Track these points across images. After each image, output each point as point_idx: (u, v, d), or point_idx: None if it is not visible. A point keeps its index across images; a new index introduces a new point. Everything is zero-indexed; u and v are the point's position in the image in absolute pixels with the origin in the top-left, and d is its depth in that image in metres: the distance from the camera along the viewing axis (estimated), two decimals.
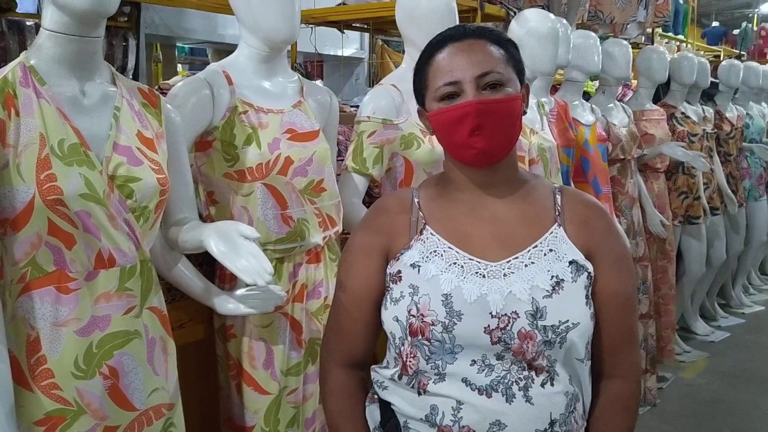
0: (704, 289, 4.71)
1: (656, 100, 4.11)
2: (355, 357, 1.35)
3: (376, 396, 1.31)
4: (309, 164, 1.72)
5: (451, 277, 1.20)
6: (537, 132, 2.46)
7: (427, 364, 1.20)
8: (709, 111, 4.43)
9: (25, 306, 1.29)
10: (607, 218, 1.32)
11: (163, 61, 4.59)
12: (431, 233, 1.26)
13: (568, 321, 1.19)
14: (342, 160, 2.06)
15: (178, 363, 1.53)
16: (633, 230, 3.53)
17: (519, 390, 1.18)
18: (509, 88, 1.22)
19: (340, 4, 3.60)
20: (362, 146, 1.95)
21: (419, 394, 1.22)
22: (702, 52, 8.47)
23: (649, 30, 4.98)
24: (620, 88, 4.24)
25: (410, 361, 1.22)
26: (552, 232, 1.25)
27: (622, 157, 3.43)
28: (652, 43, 4.84)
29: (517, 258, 1.22)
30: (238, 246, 1.38)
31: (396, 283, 1.25)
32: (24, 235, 1.26)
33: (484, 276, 1.20)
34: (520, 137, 2.30)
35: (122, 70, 4.21)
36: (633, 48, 3.97)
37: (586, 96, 3.61)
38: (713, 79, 4.60)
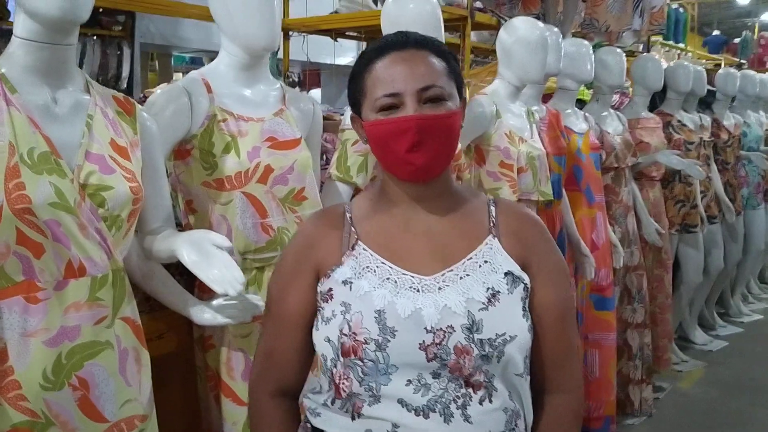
0: (702, 298, 4.68)
1: (653, 108, 4.10)
2: (287, 384, 1.29)
3: (309, 425, 1.25)
4: (290, 172, 1.71)
5: (384, 293, 1.15)
6: (526, 140, 2.45)
7: (360, 386, 1.15)
8: (707, 119, 4.41)
9: None
10: (542, 229, 1.29)
11: (158, 70, 4.58)
12: (364, 248, 1.21)
13: (505, 334, 1.15)
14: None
15: (157, 374, 1.52)
16: (628, 239, 3.51)
17: (457, 409, 1.14)
18: (450, 102, 1.19)
19: (333, 13, 3.60)
20: (346, 154, 1.94)
21: (353, 418, 1.17)
22: (703, 61, 8.46)
23: (648, 38, 4.95)
24: (618, 96, 4.24)
25: (343, 384, 1.16)
26: (487, 244, 1.22)
27: (616, 165, 3.42)
28: (648, 51, 4.82)
29: (451, 270, 1.19)
30: (210, 255, 1.37)
31: (327, 302, 1.20)
32: None
33: (418, 290, 1.16)
34: (508, 145, 2.35)
35: (116, 78, 4.22)
36: (629, 56, 3.96)
37: (582, 104, 3.60)
38: (710, 88, 4.58)
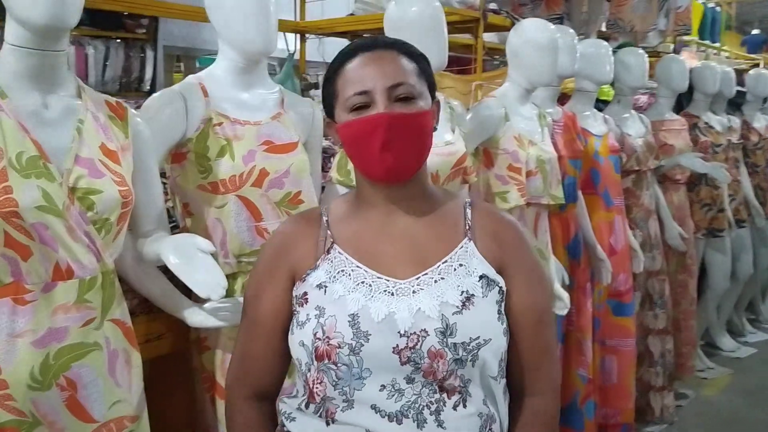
0: (731, 303, 4.57)
1: (680, 110, 4.02)
2: (263, 388, 1.29)
3: (285, 429, 1.25)
4: (285, 176, 1.71)
5: (358, 297, 1.16)
6: (536, 143, 2.42)
7: (334, 389, 1.15)
8: (735, 121, 4.30)
9: None
10: (518, 232, 1.29)
11: (184, 72, 4.64)
12: (339, 252, 1.21)
13: (479, 337, 1.15)
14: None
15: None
16: (649, 243, 3.44)
17: (431, 414, 1.13)
18: (421, 102, 1.19)
19: (348, 15, 3.61)
20: (346, 158, 1.93)
21: (327, 424, 1.17)
22: (740, 61, 8.25)
23: (675, 38, 4.85)
24: (647, 97, 4.16)
25: (317, 388, 1.17)
26: (462, 247, 1.22)
27: (637, 168, 3.35)
28: (677, 52, 4.73)
29: (426, 274, 1.18)
30: (194, 259, 1.38)
31: (302, 306, 1.20)
32: None
33: (392, 294, 1.16)
34: (516, 148, 2.32)
35: (139, 81, 4.29)
36: (654, 57, 3.89)
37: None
38: (741, 89, 4.47)
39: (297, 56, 3.73)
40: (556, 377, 1.30)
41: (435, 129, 1.24)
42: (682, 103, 4.07)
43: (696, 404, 3.72)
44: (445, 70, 2.33)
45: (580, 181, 2.89)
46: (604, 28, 4.28)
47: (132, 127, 1.50)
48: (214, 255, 1.40)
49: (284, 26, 3.66)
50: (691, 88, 3.89)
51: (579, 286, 2.90)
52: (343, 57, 1.22)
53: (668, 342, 3.56)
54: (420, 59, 1.23)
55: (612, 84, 3.41)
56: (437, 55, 1.97)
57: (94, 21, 4.00)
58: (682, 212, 3.74)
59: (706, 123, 4.00)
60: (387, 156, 1.15)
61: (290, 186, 1.72)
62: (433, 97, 1.23)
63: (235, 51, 1.70)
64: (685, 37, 5.63)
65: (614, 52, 3.23)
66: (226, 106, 1.69)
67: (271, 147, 1.71)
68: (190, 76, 1.74)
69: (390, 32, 2.01)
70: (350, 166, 1.91)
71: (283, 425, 1.25)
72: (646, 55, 3.37)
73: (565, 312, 2.56)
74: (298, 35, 3.84)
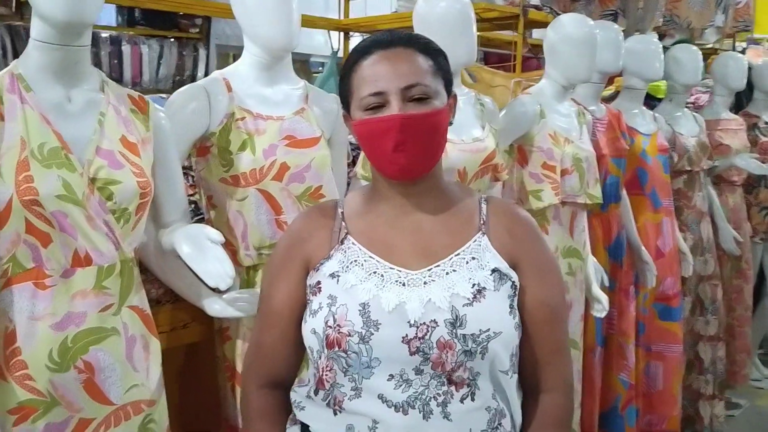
0: None
1: (739, 109, 3.87)
2: (278, 377, 1.31)
3: (296, 418, 1.27)
4: (306, 170, 1.73)
5: (369, 287, 1.18)
6: (573, 141, 2.37)
7: (344, 376, 1.17)
8: None
9: (6, 300, 1.36)
10: (533, 228, 1.29)
11: None
12: (353, 243, 1.24)
13: (489, 330, 1.15)
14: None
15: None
16: (701, 246, 3.33)
17: (437, 406, 1.14)
18: (436, 101, 1.19)
19: (393, 12, 3.61)
20: None
21: (335, 413, 1.19)
22: None
23: (734, 35, 4.67)
24: (707, 95, 4.02)
25: (326, 375, 1.19)
26: (475, 240, 1.23)
27: (689, 168, 3.24)
28: (736, 50, 4.55)
29: (438, 266, 1.19)
30: (204, 249, 1.41)
31: (315, 295, 1.22)
32: (5, 233, 1.33)
33: (404, 284, 1.18)
34: (551, 146, 2.29)
35: (192, 79, 4.39)
36: (711, 54, 3.76)
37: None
38: None
39: (341, 54, 3.77)
40: (568, 374, 1.30)
41: (451, 123, 1.24)
42: (743, 101, 3.93)
43: (749, 414, 3.59)
44: (491, 66, 2.30)
45: (624, 181, 2.82)
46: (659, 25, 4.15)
47: (153, 120, 1.54)
48: (224, 245, 1.43)
49: (328, 24, 3.71)
50: (751, 87, 3.74)
51: (621, 288, 2.83)
52: (359, 53, 1.22)
53: (720, 349, 3.44)
54: (437, 55, 1.23)
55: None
56: (466, 52, 1.96)
57: (150, 21, 4.14)
58: (738, 215, 3.61)
59: (767, 123, 3.83)
60: (400, 156, 1.17)
61: (311, 180, 1.74)
62: (449, 92, 1.24)
63: (258, 47, 1.73)
64: (756, 35, 5.42)
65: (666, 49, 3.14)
66: (249, 101, 1.73)
67: (293, 141, 1.73)
68: (216, 72, 1.78)
69: (418, 28, 2.00)
70: None
71: (295, 414, 1.27)
72: (700, 52, 3.26)
73: (603, 315, 2.50)
74: (342, 33, 3.91)
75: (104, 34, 3.91)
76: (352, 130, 1.25)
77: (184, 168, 1.92)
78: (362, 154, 1.98)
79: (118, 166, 1.43)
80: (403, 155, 1.17)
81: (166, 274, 1.66)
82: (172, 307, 1.81)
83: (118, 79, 3.80)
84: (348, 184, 2.01)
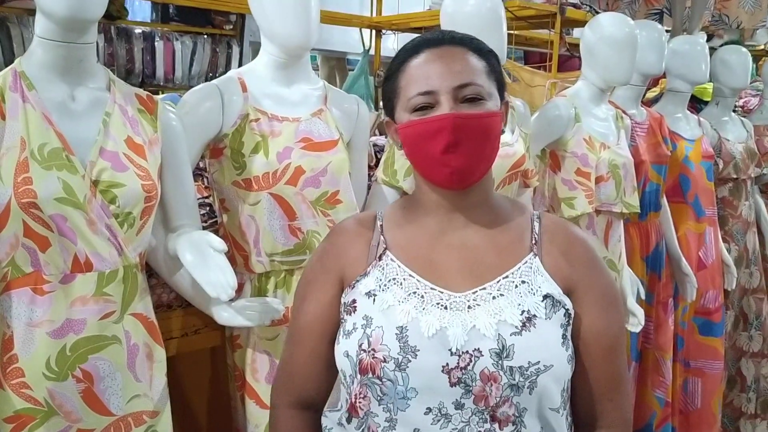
0: None
1: None
2: (308, 397, 1.22)
3: None
4: (323, 175, 1.66)
5: (408, 308, 1.07)
6: (609, 146, 2.25)
7: (379, 405, 1.07)
8: None
9: (5, 304, 1.33)
10: (591, 250, 1.16)
11: None
12: (392, 259, 1.13)
13: (539, 363, 1.04)
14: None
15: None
16: (746, 258, 3.17)
17: None
18: (489, 102, 1.09)
19: (427, 10, 3.52)
20: (393, 158, 1.86)
21: None
22: None
23: None
24: (758, 99, 3.84)
25: (360, 402, 1.09)
26: (526, 262, 1.11)
27: (735, 176, 3.09)
28: None
29: (484, 289, 1.09)
30: (207, 257, 1.36)
31: (350, 314, 1.12)
32: (4, 236, 1.30)
33: (446, 308, 1.07)
34: (586, 151, 2.18)
35: None
36: (762, 56, 3.58)
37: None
38: None
39: (372, 52, 3.69)
40: (627, 410, 1.18)
41: (503, 132, 1.14)
42: None
43: None
44: (531, 66, 2.20)
45: (665, 188, 2.68)
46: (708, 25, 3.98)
47: (162, 121, 1.49)
48: (232, 252, 1.37)
49: (359, 22, 3.63)
50: None
51: (659, 301, 2.70)
52: (408, 52, 1.13)
53: (764, 366, 3.28)
54: (490, 56, 1.14)
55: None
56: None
57: (184, 17, 4.12)
58: None
59: None
60: (450, 159, 1.07)
61: (327, 185, 1.67)
62: (502, 96, 1.14)
63: (275, 45, 1.66)
64: None
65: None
66: (265, 101, 1.66)
67: (310, 144, 1.66)
68: (232, 71, 1.72)
69: (446, 26, 1.92)
70: (397, 165, 1.85)
71: None
72: (749, 54, 3.10)
73: (638, 330, 2.38)
74: (374, 31, 3.84)
75: (138, 30, 3.90)
76: (396, 136, 1.15)
77: (198, 170, 1.88)
78: (384, 157, 1.90)
79: (122, 169, 1.38)
80: (454, 158, 1.06)
81: (175, 279, 1.60)
82: (184, 312, 1.76)
83: (151, 75, 3.79)
84: (368, 188, 1.94)
